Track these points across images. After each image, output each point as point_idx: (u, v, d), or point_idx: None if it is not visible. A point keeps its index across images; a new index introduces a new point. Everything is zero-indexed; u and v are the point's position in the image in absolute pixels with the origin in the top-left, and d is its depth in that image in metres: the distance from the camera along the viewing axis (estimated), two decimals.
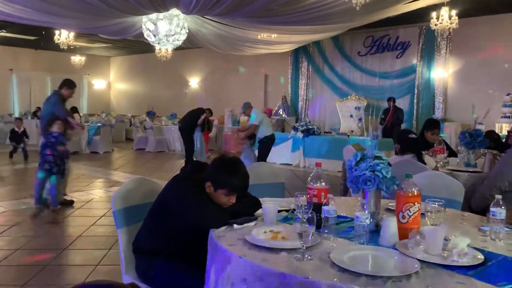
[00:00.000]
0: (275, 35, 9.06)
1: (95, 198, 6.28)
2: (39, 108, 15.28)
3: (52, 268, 3.61)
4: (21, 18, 7.35)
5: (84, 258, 3.96)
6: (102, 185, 7.34)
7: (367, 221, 1.75)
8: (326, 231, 1.85)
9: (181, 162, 10.24)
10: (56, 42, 11.12)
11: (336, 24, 8.07)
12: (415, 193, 1.78)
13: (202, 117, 9.57)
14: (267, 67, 13.30)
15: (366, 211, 1.78)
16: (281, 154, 9.84)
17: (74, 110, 14.04)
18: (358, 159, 1.90)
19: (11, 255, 3.89)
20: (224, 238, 1.85)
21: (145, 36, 8.15)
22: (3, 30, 12.32)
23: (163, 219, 2.21)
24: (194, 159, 9.01)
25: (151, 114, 14.42)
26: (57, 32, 10.86)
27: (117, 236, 4.38)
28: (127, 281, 2.30)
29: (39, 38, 13.77)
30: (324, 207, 1.85)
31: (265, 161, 7.23)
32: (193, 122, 9.52)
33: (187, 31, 8.09)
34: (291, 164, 9.78)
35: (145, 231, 2.28)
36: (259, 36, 9.19)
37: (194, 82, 15.89)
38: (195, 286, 2.00)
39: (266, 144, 7.48)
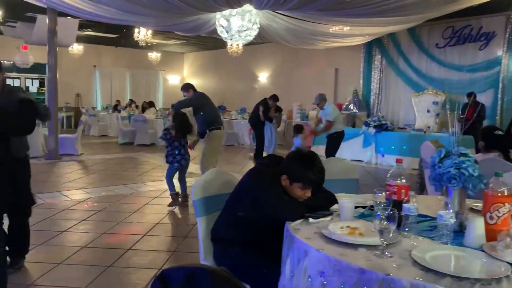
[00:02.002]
0: (347, 28, 8.87)
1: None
2: (118, 101, 16.32)
3: (134, 252, 3.86)
4: (105, 18, 7.86)
5: (162, 244, 4.19)
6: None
7: (451, 221, 1.68)
8: (406, 229, 1.80)
9: (250, 156, 10.42)
10: (135, 39, 11.78)
11: (412, 16, 7.72)
12: (505, 193, 1.68)
13: (261, 108, 9.66)
14: (338, 60, 13.07)
15: (450, 210, 1.71)
16: (352, 150, 9.63)
17: (151, 104, 14.83)
18: (442, 155, 1.83)
19: (98, 238, 4.21)
20: (300, 231, 1.87)
21: (218, 32, 8.35)
22: (88, 29, 13.24)
23: (239, 210, 2.28)
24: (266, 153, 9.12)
25: (221, 109, 14.78)
26: (136, 30, 11.49)
27: (191, 224, 4.59)
28: None
29: (120, 36, 14.66)
30: (405, 205, 1.81)
31: (334, 156, 7.15)
32: (257, 115, 9.70)
33: (259, 26, 8.17)
34: (362, 161, 9.55)
35: (222, 221, 2.36)
36: (331, 29, 9.05)
37: (263, 77, 16.03)
38: (270, 277, 2.04)
39: (336, 140, 7.38)
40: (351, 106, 11.90)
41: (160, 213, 5.25)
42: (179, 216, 5.25)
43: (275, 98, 9.93)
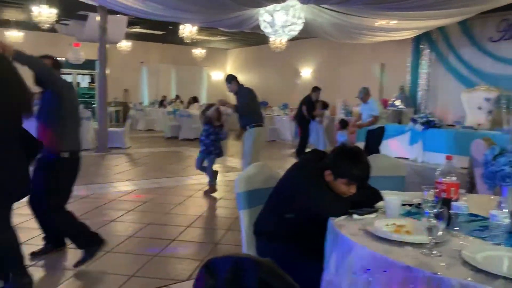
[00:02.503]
0: (394, 21, 8.62)
1: None
2: (164, 97, 16.74)
3: (178, 243, 3.96)
4: (153, 15, 8.07)
5: (205, 236, 4.28)
6: (219, 170, 7.75)
7: (506, 221, 1.61)
8: (456, 228, 1.74)
9: (291, 152, 10.39)
10: (180, 36, 12.02)
11: (464, 8, 7.39)
12: None
13: (304, 108, 9.54)
14: (384, 55, 12.73)
15: (505, 210, 1.63)
16: (398, 147, 9.38)
17: (195, 99, 15.09)
18: (496, 153, 1.75)
19: (144, 228, 4.36)
20: (345, 227, 1.85)
21: (262, 28, 8.36)
22: (137, 26, 13.64)
23: (282, 204, 2.29)
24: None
25: (263, 104, 14.81)
26: (181, 27, 11.72)
27: (233, 217, 4.64)
28: None
29: (166, 33, 15.00)
30: (454, 203, 1.74)
31: (378, 152, 7.00)
32: (301, 112, 9.60)
33: (304, 21, 8.11)
34: (408, 158, 9.28)
35: (265, 214, 2.38)
36: (376, 23, 8.83)
37: (306, 72, 15.90)
38: (313, 272, 2.04)
39: (378, 136, 7.24)
40: (397, 102, 11.57)
41: (203, 206, 5.36)
42: (221, 209, 5.33)
43: (317, 89, 9.79)
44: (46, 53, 3.30)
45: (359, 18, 8.39)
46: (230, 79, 6.12)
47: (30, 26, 13.05)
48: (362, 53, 13.31)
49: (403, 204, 2.12)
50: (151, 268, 3.37)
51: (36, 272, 3.23)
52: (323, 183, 2.18)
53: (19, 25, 13.76)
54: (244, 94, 6.00)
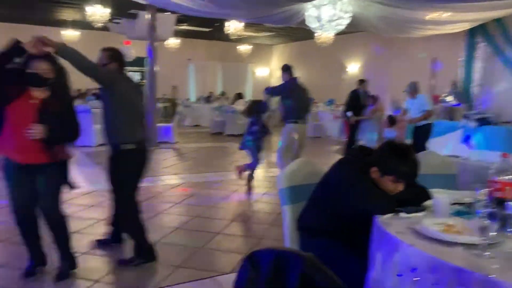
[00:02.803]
0: (448, 14, 8.26)
1: (257, 177, 6.66)
2: (211, 93, 17.00)
3: (223, 236, 4.02)
4: (200, 12, 8.20)
5: (249, 230, 4.32)
6: (263, 165, 7.76)
7: None
8: (510, 229, 1.65)
9: (336, 149, 10.25)
10: (226, 32, 12.15)
11: None
12: None
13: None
14: (435, 49, 12.26)
15: None
16: (449, 145, 9.02)
17: (240, 96, 15.22)
18: None
19: (190, 221, 4.46)
20: (391, 226, 1.81)
21: (308, 22, 8.29)
22: (184, 24, 13.92)
23: (326, 200, 2.27)
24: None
25: (309, 100, 14.68)
26: (227, 23, 11.84)
27: (276, 213, 4.65)
28: None
29: (213, 30, 15.21)
30: (510, 203, 1.66)
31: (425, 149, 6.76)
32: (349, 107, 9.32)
33: (351, 14, 7.95)
34: (459, 156, 8.90)
35: (309, 210, 2.37)
36: (427, 17, 8.50)
37: (353, 67, 15.61)
38: (356, 268, 2.01)
39: (426, 132, 7.00)
40: (449, 98, 11.10)
41: (247, 201, 5.41)
42: (265, 204, 5.35)
43: (363, 82, 9.51)
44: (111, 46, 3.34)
45: (410, 11, 8.11)
46: (283, 69, 6.07)
47: (84, 25, 13.67)
48: (412, 47, 12.89)
49: (453, 204, 2.04)
50: (197, 259, 3.45)
51: (88, 259, 3.40)
52: (369, 180, 2.14)
53: (74, 24, 14.45)
54: (284, 88, 6.00)
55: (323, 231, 2.25)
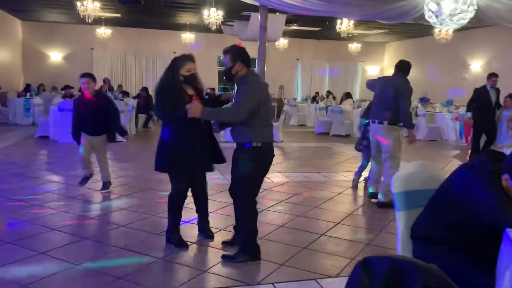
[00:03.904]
0: None
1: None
2: (317, 93, 16.86)
3: (327, 238, 3.92)
4: (312, 11, 8.14)
5: (355, 235, 4.15)
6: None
7: None
8: None
9: (455, 154, 9.43)
10: (337, 31, 11.93)
11: None
12: None
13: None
14: None
15: None
16: None
17: (348, 95, 14.86)
18: None
19: (294, 220, 4.44)
20: None
21: (426, 17, 7.72)
22: (294, 24, 14.01)
23: (447, 208, 2.06)
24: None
25: (424, 100, 13.78)
26: (338, 21, 11.62)
27: (386, 218, 4.40)
28: None
29: (322, 29, 15.08)
30: None
31: None
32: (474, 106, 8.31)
33: (475, 7, 7.23)
34: None
35: (426, 218, 2.17)
36: None
37: (476, 65, 14.24)
38: (481, 284, 1.79)
39: None
40: None
41: (353, 203, 5.22)
42: (374, 208, 5.11)
43: (494, 75, 8.43)
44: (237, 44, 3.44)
45: None
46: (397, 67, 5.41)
47: (200, 28, 14.53)
48: None
49: None
50: (300, 259, 3.41)
51: (200, 250, 3.56)
52: (499, 189, 1.89)
53: (192, 27, 15.43)
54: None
55: (442, 241, 2.05)
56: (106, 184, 5.35)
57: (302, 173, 6.94)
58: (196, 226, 3.95)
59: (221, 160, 3.67)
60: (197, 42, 15.57)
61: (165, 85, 3.47)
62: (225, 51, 3.32)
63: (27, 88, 14.02)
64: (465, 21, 7.58)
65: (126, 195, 5.24)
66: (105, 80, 14.48)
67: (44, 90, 14.25)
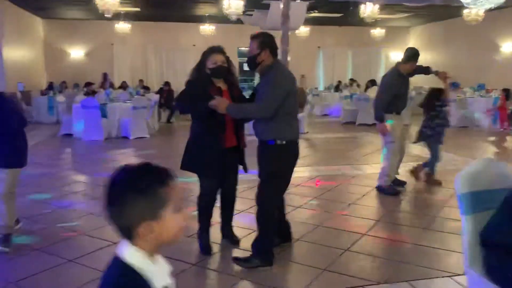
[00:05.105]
0: None
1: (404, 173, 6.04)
2: (340, 82, 16.45)
3: (370, 238, 3.66)
4: None
5: (400, 234, 3.88)
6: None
7: None
8: None
9: (491, 140, 8.98)
10: (360, 17, 11.49)
11: None
12: None
13: None
14: None
15: None
16: None
17: (373, 83, 14.40)
18: None
19: (331, 219, 4.18)
20: None
21: None
22: (315, 11, 13.60)
23: None
24: None
25: (454, 85, 13.23)
26: (362, 6, 11.18)
27: (432, 215, 4.09)
28: (471, 276, 2.01)
29: (344, 15, 14.62)
30: None
31: None
32: None
33: None
34: None
35: (499, 223, 1.89)
36: None
37: (508, 47, 13.59)
38: None
39: None
40: None
41: (392, 199, 4.92)
42: (417, 203, 4.82)
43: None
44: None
45: None
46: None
47: (219, 19, 14.28)
48: None
49: None
50: (342, 263, 3.16)
51: (236, 253, 3.35)
52: None
53: (211, 19, 15.19)
54: None
55: None
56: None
57: (332, 165, 6.66)
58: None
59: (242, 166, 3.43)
60: (216, 34, 15.32)
61: (190, 78, 3.30)
62: (253, 37, 3.09)
63: (50, 86, 14.07)
64: (502, 0, 7.13)
65: None
66: (105, 76, 14.29)
67: (66, 87, 14.29)
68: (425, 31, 17.72)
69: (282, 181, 3.11)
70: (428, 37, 17.50)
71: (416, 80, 10.13)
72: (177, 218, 1.05)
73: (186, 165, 3.30)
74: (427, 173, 5.43)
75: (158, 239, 1.04)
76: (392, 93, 4.94)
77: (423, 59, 5.78)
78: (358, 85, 15.27)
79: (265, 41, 3.03)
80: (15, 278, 2.92)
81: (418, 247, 3.46)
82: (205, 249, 3.33)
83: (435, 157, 5.33)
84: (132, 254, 1.04)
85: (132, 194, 1.00)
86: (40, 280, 2.92)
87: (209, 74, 3.24)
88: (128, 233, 1.04)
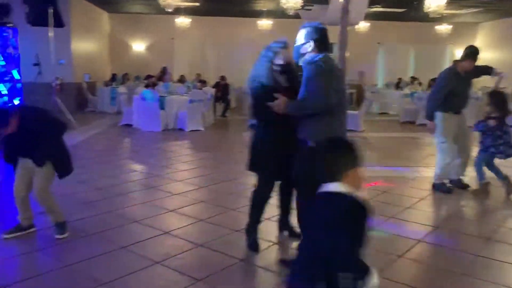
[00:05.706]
0: None
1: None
2: (400, 79, 15.82)
3: (426, 246, 3.47)
4: None
5: (463, 243, 3.63)
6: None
7: None
8: None
9: None
10: (425, 11, 10.94)
11: None
12: None
13: None
14: None
15: None
16: None
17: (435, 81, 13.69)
18: None
19: (384, 223, 4.00)
20: None
21: None
22: (377, 6, 13.13)
23: None
24: None
25: None
26: (427, 1, 10.63)
27: (495, 224, 3.78)
28: None
29: (408, 10, 14.00)
30: None
31: None
32: None
33: None
34: None
35: None
36: None
37: None
38: None
39: None
40: None
41: (452, 205, 4.64)
42: (480, 211, 4.51)
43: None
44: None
45: None
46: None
47: (277, 14, 14.20)
48: None
49: None
50: (395, 270, 3.00)
51: (272, 250, 3.30)
52: None
53: (268, 14, 15.14)
54: None
55: None
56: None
57: (389, 166, 6.41)
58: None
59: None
60: (274, 29, 15.26)
61: (258, 77, 3.15)
62: (302, 27, 2.97)
63: (113, 77, 14.71)
64: None
65: (204, 186, 5.14)
66: (164, 70, 14.62)
67: (128, 79, 14.86)
68: (494, 27, 16.58)
69: (311, 186, 2.98)
70: (498, 34, 16.35)
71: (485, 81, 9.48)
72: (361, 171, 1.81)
73: (248, 165, 3.30)
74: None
75: (356, 181, 1.78)
76: (446, 91, 4.68)
77: (491, 58, 5.40)
78: (420, 83, 14.60)
79: (312, 31, 2.88)
80: (70, 261, 3.05)
81: (479, 258, 3.22)
82: (253, 245, 3.30)
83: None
84: (345, 188, 1.74)
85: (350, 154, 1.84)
86: (93, 264, 3.03)
87: (278, 71, 3.14)
88: (339, 176, 1.75)
